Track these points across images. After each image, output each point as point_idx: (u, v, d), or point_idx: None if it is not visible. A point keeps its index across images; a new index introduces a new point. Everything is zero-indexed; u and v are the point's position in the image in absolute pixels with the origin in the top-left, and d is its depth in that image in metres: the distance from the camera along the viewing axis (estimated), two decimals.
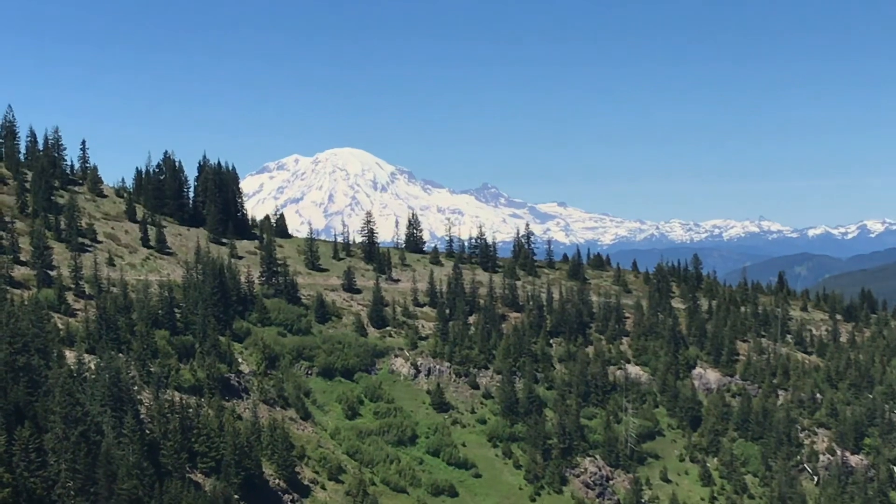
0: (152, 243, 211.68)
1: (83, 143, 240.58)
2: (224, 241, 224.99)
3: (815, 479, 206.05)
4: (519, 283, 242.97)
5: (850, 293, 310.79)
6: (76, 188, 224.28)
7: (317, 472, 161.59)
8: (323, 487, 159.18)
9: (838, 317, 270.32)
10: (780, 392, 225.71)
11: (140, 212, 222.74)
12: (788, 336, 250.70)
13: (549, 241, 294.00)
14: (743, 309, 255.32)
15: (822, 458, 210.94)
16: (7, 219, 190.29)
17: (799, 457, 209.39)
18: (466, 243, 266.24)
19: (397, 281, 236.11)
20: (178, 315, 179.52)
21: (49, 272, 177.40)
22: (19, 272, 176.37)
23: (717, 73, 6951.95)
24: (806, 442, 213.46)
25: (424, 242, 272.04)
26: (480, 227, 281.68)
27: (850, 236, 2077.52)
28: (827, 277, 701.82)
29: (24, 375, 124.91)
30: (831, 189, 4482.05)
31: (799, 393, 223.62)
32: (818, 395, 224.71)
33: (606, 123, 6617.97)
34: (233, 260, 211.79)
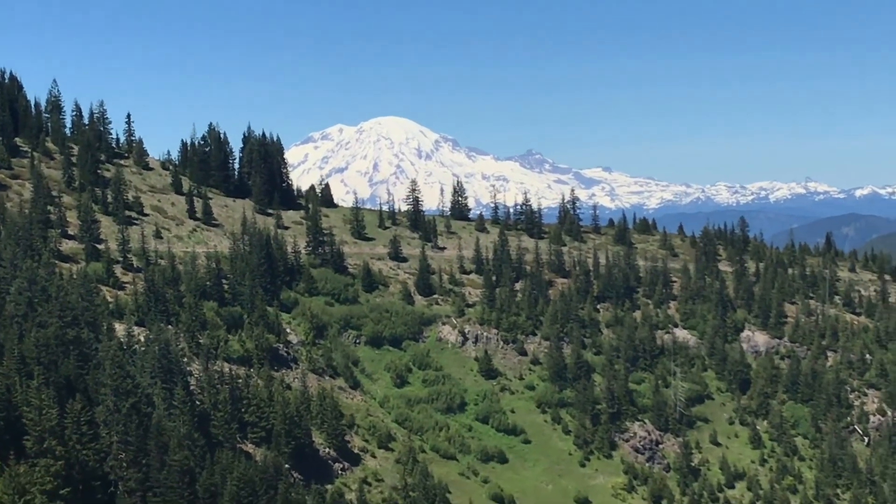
0: (199, 215, 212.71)
1: (128, 116, 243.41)
2: (270, 211, 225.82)
3: (866, 440, 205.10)
4: (565, 249, 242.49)
5: None
6: (122, 162, 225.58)
7: (366, 441, 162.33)
8: (373, 455, 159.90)
9: (887, 277, 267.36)
10: (829, 353, 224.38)
11: (186, 184, 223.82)
12: (837, 297, 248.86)
13: (594, 207, 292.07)
14: (790, 271, 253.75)
15: (872, 419, 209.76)
16: (54, 193, 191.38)
17: (849, 418, 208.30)
18: (512, 210, 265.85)
19: (443, 249, 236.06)
20: (226, 286, 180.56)
21: (97, 246, 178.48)
22: (67, 246, 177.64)
23: (758, 34, 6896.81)
24: (856, 403, 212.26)
25: (470, 210, 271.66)
26: (525, 193, 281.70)
27: None
28: (875, 238, 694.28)
29: (75, 349, 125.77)
30: (878, 148, 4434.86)
31: (848, 354, 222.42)
32: (868, 355, 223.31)
33: (650, 87, 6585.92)
34: (279, 230, 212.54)
